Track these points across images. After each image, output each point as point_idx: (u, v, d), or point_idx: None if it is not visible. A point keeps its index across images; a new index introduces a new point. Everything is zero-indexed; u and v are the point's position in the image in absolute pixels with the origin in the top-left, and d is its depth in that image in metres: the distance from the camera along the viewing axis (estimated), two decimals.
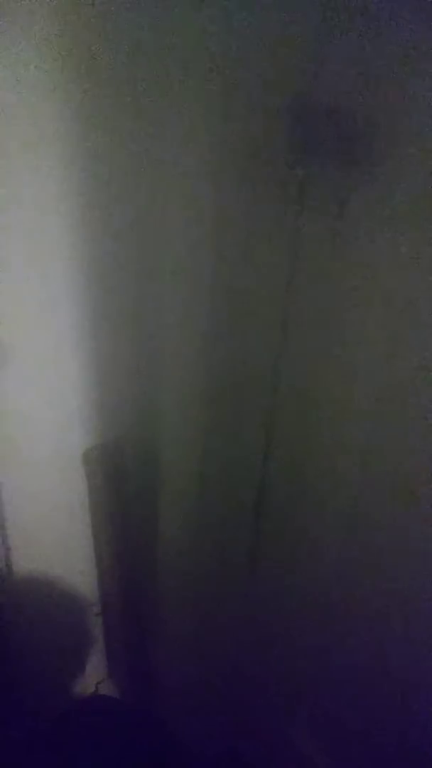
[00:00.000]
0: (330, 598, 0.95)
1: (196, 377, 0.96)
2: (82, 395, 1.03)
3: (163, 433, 1.03)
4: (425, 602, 0.79)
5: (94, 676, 1.46)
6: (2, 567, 1.18)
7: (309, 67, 0.65)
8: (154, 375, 0.99)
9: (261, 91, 0.68)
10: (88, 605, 1.31)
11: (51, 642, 1.30)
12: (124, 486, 1.11)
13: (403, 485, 0.77)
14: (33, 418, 1.01)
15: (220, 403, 0.98)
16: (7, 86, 0.72)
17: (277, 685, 1.15)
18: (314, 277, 0.76)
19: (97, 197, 0.85)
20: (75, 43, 0.73)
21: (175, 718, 1.36)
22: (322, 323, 0.78)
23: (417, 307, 0.67)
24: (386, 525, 0.82)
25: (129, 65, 0.75)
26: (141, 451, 1.09)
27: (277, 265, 0.78)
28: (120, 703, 1.31)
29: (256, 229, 0.77)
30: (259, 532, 1.02)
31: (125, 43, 0.74)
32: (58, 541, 1.17)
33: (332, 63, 0.64)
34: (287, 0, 0.64)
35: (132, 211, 0.87)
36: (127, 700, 1.42)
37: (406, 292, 0.67)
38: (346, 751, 1.06)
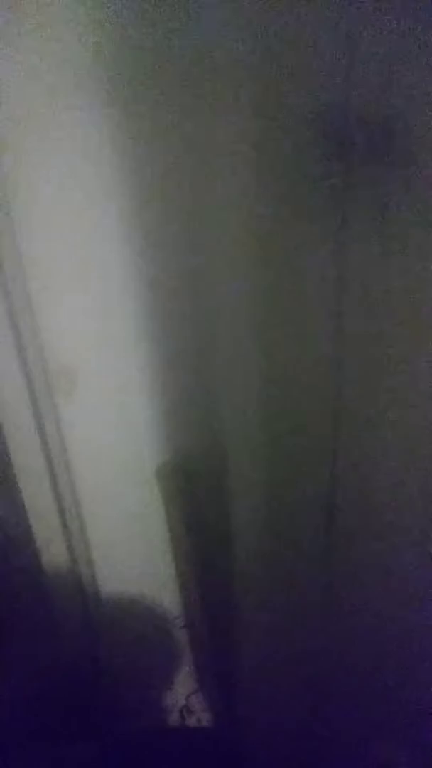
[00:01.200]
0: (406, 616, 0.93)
1: (257, 390, 0.98)
2: (149, 414, 1.08)
3: (230, 445, 1.06)
4: None
5: (183, 689, 1.49)
6: (88, 585, 1.25)
7: (339, 74, 0.67)
8: (215, 392, 1.02)
9: (293, 101, 0.70)
10: (172, 618, 1.35)
11: (138, 658, 1.35)
12: (197, 498, 1.14)
13: None
14: (105, 439, 1.06)
15: (284, 415, 0.99)
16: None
17: (364, 696, 1.13)
18: (365, 284, 0.77)
19: (150, 215, 0.89)
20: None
21: (262, 726, 1.36)
22: (378, 332, 0.78)
23: None
24: None
25: (167, 72, 0.78)
26: (211, 463, 1.12)
27: (327, 274, 0.79)
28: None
29: (304, 240, 0.78)
30: (330, 540, 1.02)
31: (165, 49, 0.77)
32: (138, 557, 1.22)
33: (362, 68, 0.65)
34: (318, 7, 0.66)
35: (184, 228, 0.91)
36: (217, 710, 1.43)
37: None
38: None
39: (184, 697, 1.50)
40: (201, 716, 1.46)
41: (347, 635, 1.10)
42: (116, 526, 1.15)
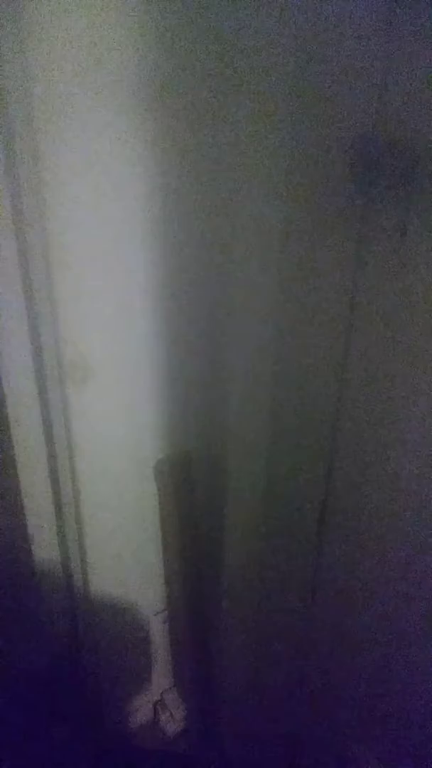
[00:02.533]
0: (394, 607, 0.97)
1: (262, 392, 1.02)
2: (154, 409, 1.11)
3: (229, 445, 1.09)
4: None
5: (159, 685, 1.51)
6: (79, 568, 1.26)
7: (371, 101, 0.72)
8: (221, 390, 1.06)
9: (326, 124, 0.75)
10: (155, 613, 1.37)
11: (118, 648, 1.36)
12: (192, 495, 1.17)
13: None
14: (109, 430, 1.09)
15: (285, 415, 1.03)
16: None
17: (343, 696, 1.16)
18: (378, 296, 0.81)
19: (173, 215, 0.93)
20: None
21: (237, 727, 1.39)
22: (385, 338, 0.83)
23: None
24: None
25: (207, 90, 0.83)
26: (208, 462, 1.16)
27: (342, 285, 0.84)
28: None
29: (322, 255, 0.83)
30: (323, 541, 1.06)
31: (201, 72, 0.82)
32: (129, 547, 1.24)
33: (393, 96, 0.70)
34: (352, 35, 0.71)
35: (205, 232, 0.95)
36: (190, 708, 1.45)
37: None
38: None
39: (159, 693, 1.52)
40: (174, 713, 1.47)
41: (333, 637, 1.13)
42: (112, 512, 1.17)
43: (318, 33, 0.69)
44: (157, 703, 1.51)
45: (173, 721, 1.47)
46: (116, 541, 1.22)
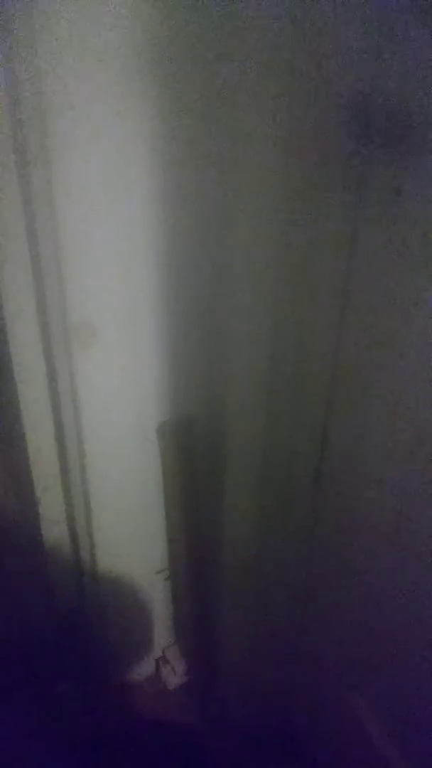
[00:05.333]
0: (384, 570, 1.01)
1: (261, 359, 1.04)
2: (157, 373, 1.14)
3: (228, 410, 1.12)
4: None
5: (160, 641, 1.57)
6: (84, 529, 1.31)
7: (367, 65, 0.73)
8: (222, 355, 1.09)
9: (323, 88, 0.76)
10: (158, 571, 1.42)
11: (121, 605, 1.42)
12: (194, 456, 1.21)
13: None
14: (113, 394, 1.13)
15: (282, 382, 1.06)
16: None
17: (341, 660, 1.20)
18: (373, 260, 0.83)
19: (174, 186, 0.95)
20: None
21: (235, 689, 1.44)
22: (380, 304, 0.85)
23: None
24: None
25: (203, 66, 0.85)
26: (209, 425, 1.19)
27: (339, 250, 0.86)
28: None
29: (319, 216, 0.85)
30: (318, 502, 1.10)
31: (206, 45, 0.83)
32: (132, 507, 1.28)
33: (388, 59, 0.72)
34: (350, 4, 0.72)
35: (204, 202, 0.97)
36: (190, 666, 1.51)
37: None
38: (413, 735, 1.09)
39: (161, 649, 1.58)
40: (175, 667, 1.53)
41: (332, 596, 1.17)
42: (116, 477, 1.21)
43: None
44: (160, 658, 1.57)
45: (174, 674, 1.53)
46: (120, 502, 1.27)
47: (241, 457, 1.15)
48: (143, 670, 1.57)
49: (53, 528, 1.41)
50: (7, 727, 1.40)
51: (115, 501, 1.26)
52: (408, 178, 0.71)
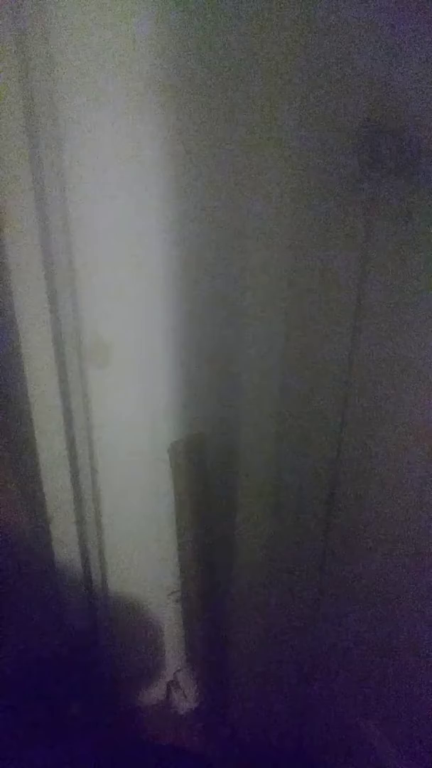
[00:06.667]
0: (401, 589, 0.99)
1: (273, 379, 1.04)
2: (169, 394, 1.15)
3: (241, 430, 1.12)
4: None
5: (172, 664, 1.55)
6: (95, 548, 1.31)
7: (376, 90, 0.74)
8: (234, 377, 1.09)
9: (333, 113, 0.77)
10: (168, 593, 1.41)
11: (132, 628, 1.41)
12: (205, 476, 1.20)
13: None
14: (126, 414, 1.13)
15: (294, 401, 1.05)
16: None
17: (353, 681, 1.18)
18: (385, 281, 0.83)
19: (185, 198, 0.96)
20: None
21: (247, 714, 1.42)
22: (393, 322, 0.85)
23: None
24: None
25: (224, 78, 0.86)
26: (221, 446, 1.19)
27: (350, 274, 0.86)
28: None
29: (329, 240, 0.85)
30: (331, 523, 1.09)
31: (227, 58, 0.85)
32: (144, 527, 1.28)
33: (398, 86, 0.73)
34: (357, 25, 0.73)
35: (222, 218, 0.98)
36: (202, 689, 1.49)
37: None
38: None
39: (172, 672, 1.56)
40: (187, 692, 1.51)
41: (344, 619, 1.16)
42: (128, 493, 1.21)
43: (324, 16, 0.72)
44: (170, 682, 1.55)
45: (185, 699, 1.51)
46: (132, 522, 1.26)
47: (253, 479, 1.14)
48: (154, 693, 1.55)
49: (64, 547, 1.41)
50: (15, 749, 1.39)
51: (127, 521, 1.26)
52: (419, 202, 0.71)
